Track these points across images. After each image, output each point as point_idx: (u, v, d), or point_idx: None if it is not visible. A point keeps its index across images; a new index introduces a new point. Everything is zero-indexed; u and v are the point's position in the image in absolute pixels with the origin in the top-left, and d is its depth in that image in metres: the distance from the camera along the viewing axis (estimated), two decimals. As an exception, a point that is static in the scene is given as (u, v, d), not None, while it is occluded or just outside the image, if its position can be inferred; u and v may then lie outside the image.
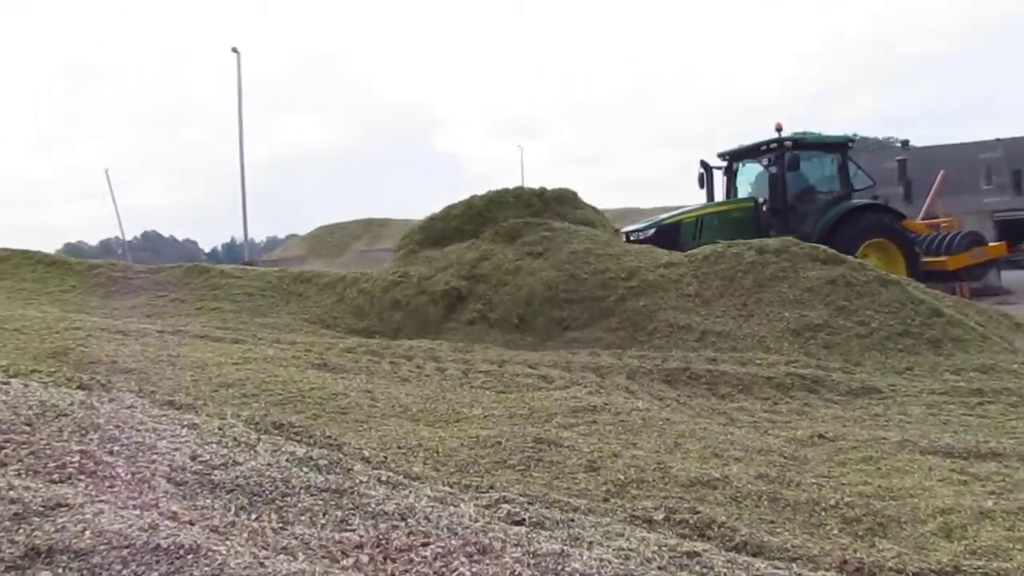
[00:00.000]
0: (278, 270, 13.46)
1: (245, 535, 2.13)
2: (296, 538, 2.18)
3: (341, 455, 3.22)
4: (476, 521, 2.47)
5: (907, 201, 33.50)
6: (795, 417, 5.88)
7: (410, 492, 2.79)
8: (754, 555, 2.77)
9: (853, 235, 13.13)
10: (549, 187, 12.51)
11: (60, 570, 1.74)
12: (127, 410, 3.27)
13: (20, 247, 14.20)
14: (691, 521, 3.10)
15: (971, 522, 3.32)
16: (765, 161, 14.72)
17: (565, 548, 2.27)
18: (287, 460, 2.88)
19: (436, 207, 12.66)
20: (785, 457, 4.43)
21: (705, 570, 2.38)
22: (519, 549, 2.21)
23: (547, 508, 2.97)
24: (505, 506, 2.83)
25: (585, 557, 2.22)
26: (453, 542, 2.23)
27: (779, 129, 14.43)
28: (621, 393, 6.36)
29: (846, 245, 10.72)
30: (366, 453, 3.59)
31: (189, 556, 1.82)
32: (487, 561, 2.12)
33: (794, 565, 2.71)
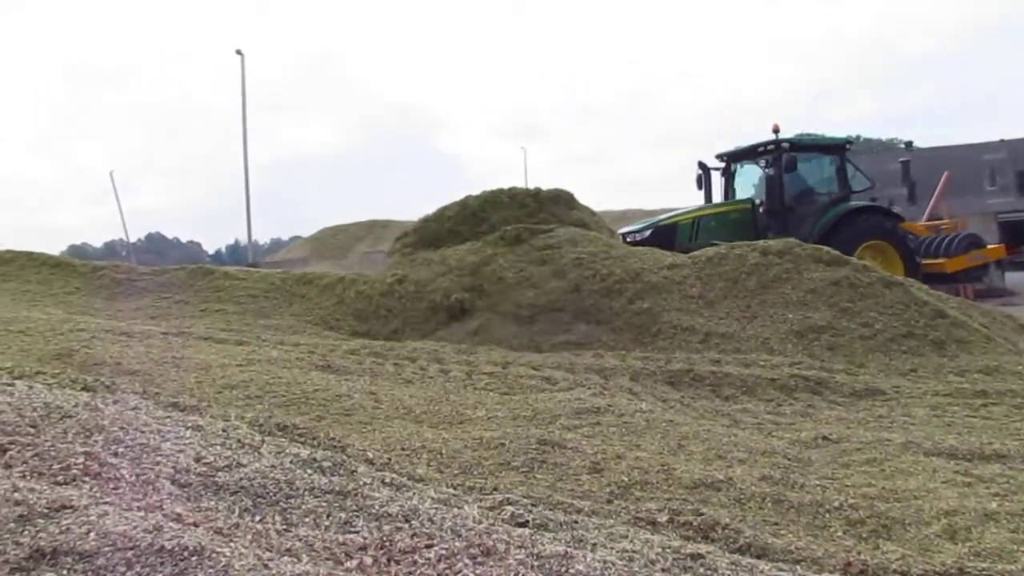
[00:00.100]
0: (281, 272, 13.45)
1: (249, 537, 2.13)
2: (300, 540, 2.18)
3: (345, 457, 3.22)
4: (480, 523, 2.47)
5: (911, 202, 33.44)
6: (799, 419, 5.87)
7: (414, 494, 2.79)
8: (758, 557, 2.77)
9: (851, 237, 13.07)
10: (560, 188, 12.51)
11: (65, 572, 1.75)
12: (131, 412, 3.28)
13: (25, 249, 14.25)
14: (695, 523, 3.10)
15: (975, 524, 3.31)
16: (762, 163, 14.69)
17: (569, 550, 2.27)
18: (291, 462, 2.88)
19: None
20: (789, 459, 4.42)
21: (709, 572, 2.37)
22: (523, 551, 2.21)
23: (551, 510, 2.97)
24: (509, 508, 2.84)
25: (589, 559, 2.22)
26: (457, 544, 2.23)
27: (776, 131, 14.40)
28: (625, 395, 6.36)
29: (844, 247, 10.69)
30: (370, 455, 3.59)
31: (193, 558, 1.83)
32: (491, 563, 2.12)
33: (798, 567, 2.71)
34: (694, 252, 10.56)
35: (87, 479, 2.37)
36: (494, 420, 5.17)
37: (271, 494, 2.49)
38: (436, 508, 2.58)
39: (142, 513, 2.10)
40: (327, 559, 2.09)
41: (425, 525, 2.38)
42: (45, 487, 2.20)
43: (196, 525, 2.11)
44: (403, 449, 4.15)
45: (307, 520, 2.36)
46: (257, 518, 2.31)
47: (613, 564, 2.23)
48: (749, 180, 15.29)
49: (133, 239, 42.00)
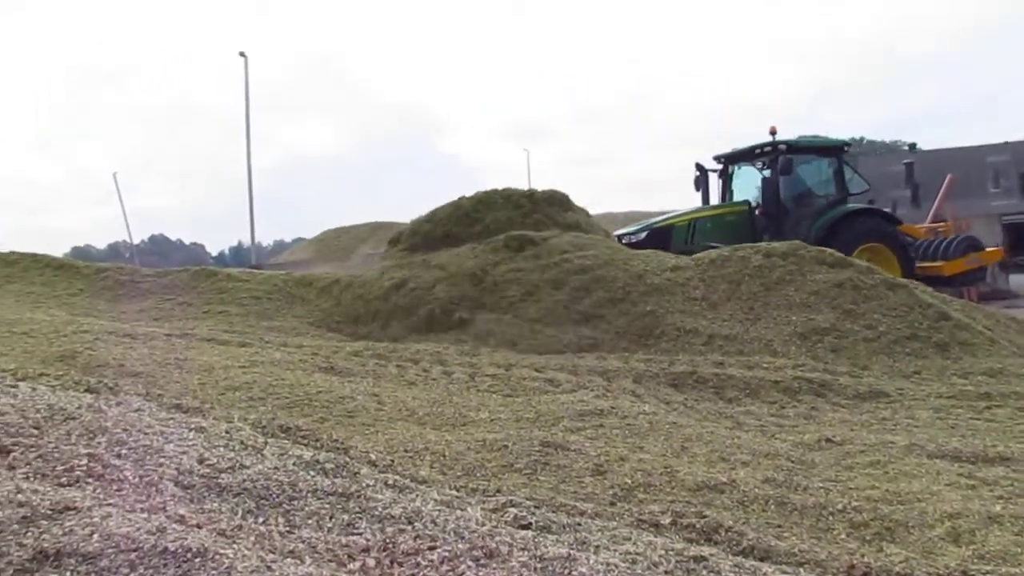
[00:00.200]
0: (284, 274, 13.47)
1: (252, 538, 2.13)
2: (303, 542, 2.18)
3: (348, 459, 3.23)
4: (483, 525, 2.47)
5: (915, 204, 33.49)
6: (802, 421, 5.86)
7: (417, 496, 2.79)
8: (761, 559, 2.76)
9: (847, 239, 12.96)
10: (555, 189, 12.47)
11: (68, 573, 1.75)
12: (135, 413, 3.28)
13: (28, 250, 14.29)
14: (698, 525, 3.09)
15: (979, 527, 3.31)
16: (759, 164, 14.67)
17: (572, 552, 2.27)
18: (294, 464, 2.88)
19: (441, 210, 12.52)
20: (792, 461, 4.42)
21: (712, 575, 2.37)
22: (526, 553, 2.21)
23: (554, 512, 2.97)
24: (512, 510, 2.83)
25: (592, 561, 2.22)
26: (460, 546, 2.23)
27: (773, 132, 14.38)
28: (628, 397, 6.35)
29: (840, 250, 10.63)
30: (373, 457, 3.60)
31: (197, 559, 1.83)
32: (494, 565, 2.12)
33: (801, 570, 2.70)
34: (696, 254, 10.55)
35: (91, 481, 2.37)
36: (497, 422, 5.16)
37: (274, 496, 2.49)
38: (439, 510, 2.58)
39: (145, 515, 2.10)
40: (330, 561, 2.09)
41: (428, 527, 2.38)
42: (49, 489, 2.20)
43: (199, 527, 2.11)
44: (406, 451, 4.15)
45: (310, 522, 2.36)
46: (260, 520, 2.31)
47: (616, 566, 2.23)
48: (746, 182, 15.23)
49: (136, 241, 42.08)
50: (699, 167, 15.31)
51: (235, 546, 1.97)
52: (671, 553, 2.48)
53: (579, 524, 2.77)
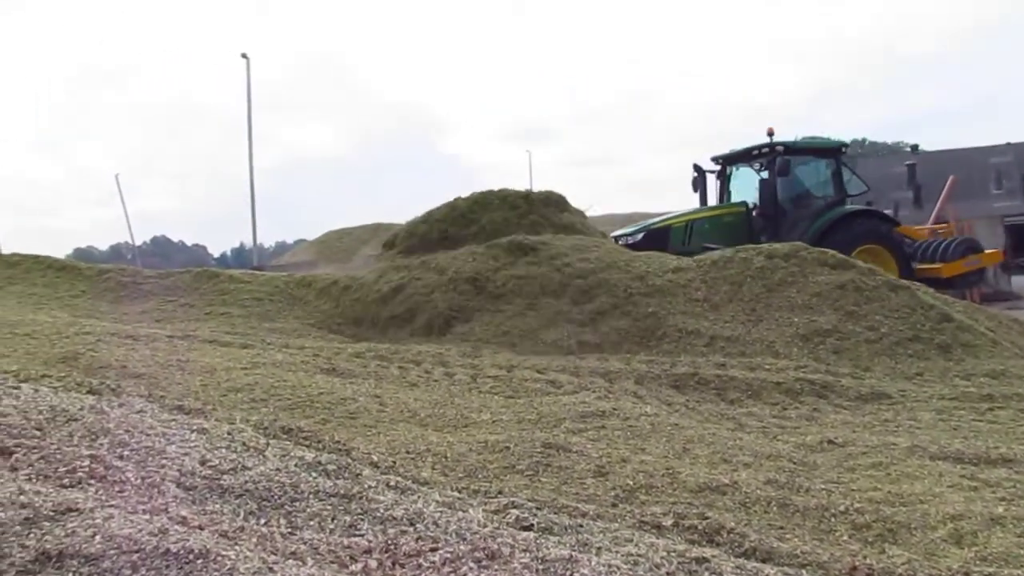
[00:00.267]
0: (286, 275, 13.47)
1: (254, 540, 2.13)
2: (305, 543, 2.19)
3: (350, 460, 3.23)
4: (485, 526, 2.47)
5: (917, 206, 33.50)
6: (804, 423, 5.86)
7: (419, 497, 2.80)
8: (763, 561, 2.76)
9: (845, 241, 12.82)
10: (557, 190, 12.46)
11: (70, 575, 1.75)
12: (137, 415, 3.29)
13: (30, 252, 14.30)
14: (700, 527, 3.09)
15: (981, 528, 3.30)
16: (757, 166, 14.65)
17: (574, 554, 2.27)
18: (296, 465, 2.88)
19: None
20: (794, 463, 4.41)
21: (714, 576, 2.37)
22: (528, 555, 2.21)
23: (556, 513, 2.97)
24: (514, 511, 2.83)
25: (594, 563, 2.22)
26: (462, 547, 2.23)
27: (771, 134, 14.35)
28: (630, 398, 6.35)
29: (838, 251, 10.62)
30: (375, 458, 3.60)
31: (199, 561, 1.83)
32: (496, 567, 2.12)
33: (804, 571, 2.70)
34: (697, 256, 10.54)
35: (93, 482, 2.38)
36: (499, 423, 5.17)
37: (276, 497, 2.49)
38: (441, 511, 2.58)
39: (147, 516, 2.10)
40: (332, 562, 2.09)
41: (430, 528, 2.38)
42: (51, 490, 2.20)
43: (201, 528, 2.12)
44: (408, 452, 4.15)
45: (312, 523, 2.36)
46: (262, 521, 2.31)
47: (618, 568, 2.23)
48: (744, 183, 15.17)
49: (138, 242, 42.12)
50: (697, 168, 15.28)
51: (237, 547, 1.97)
52: (673, 555, 2.48)
53: (581, 526, 2.77)
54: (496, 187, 12.41)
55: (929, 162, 39.17)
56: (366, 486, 2.75)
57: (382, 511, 2.50)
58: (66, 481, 2.36)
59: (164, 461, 2.62)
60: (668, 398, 6.59)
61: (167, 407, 3.81)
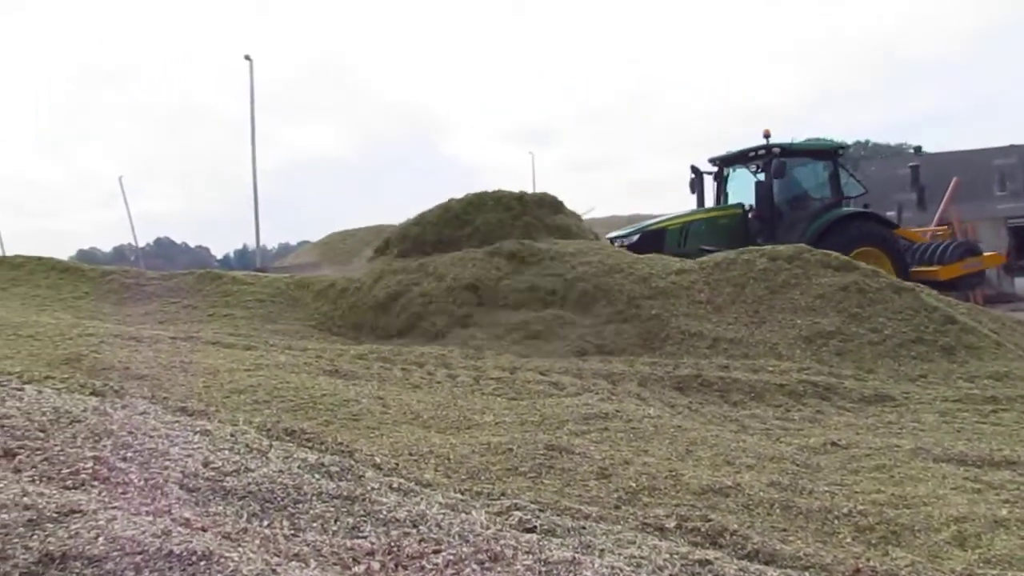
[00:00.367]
0: (288, 277, 13.48)
1: (257, 542, 2.13)
2: (308, 545, 2.19)
3: (353, 462, 3.23)
4: (487, 528, 2.47)
5: (920, 207, 33.46)
6: (807, 425, 5.85)
7: (422, 499, 2.80)
8: (766, 563, 2.76)
9: (842, 243, 12.71)
10: (559, 193, 12.41)
11: (74, 576, 1.75)
12: (140, 416, 3.29)
13: (34, 253, 14.32)
14: (703, 529, 3.09)
15: (985, 531, 3.30)
16: (753, 167, 14.62)
17: (576, 556, 2.26)
18: (299, 467, 2.89)
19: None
20: (797, 465, 4.41)
21: (717, 578, 2.37)
22: (530, 557, 2.21)
23: (558, 515, 2.97)
24: (517, 513, 2.83)
25: (596, 565, 2.22)
26: (465, 549, 2.23)
27: (767, 136, 14.33)
28: (633, 400, 6.35)
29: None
30: (378, 460, 3.60)
31: (202, 563, 1.83)
32: (499, 569, 2.12)
33: (807, 574, 2.70)
34: (700, 258, 10.53)
35: (96, 484, 2.38)
36: (502, 425, 5.16)
37: (279, 499, 2.50)
38: (444, 513, 2.58)
39: (151, 518, 2.10)
40: (335, 564, 2.09)
41: (433, 530, 2.39)
42: (54, 491, 2.21)
43: (204, 530, 2.12)
44: (411, 454, 4.15)
45: (315, 525, 2.36)
46: (265, 523, 2.32)
47: (621, 570, 2.23)
48: (741, 185, 15.10)
49: (142, 244, 42.19)
50: (694, 169, 15.24)
51: (240, 549, 1.97)
52: (676, 557, 2.48)
53: (584, 528, 2.77)
54: (498, 188, 12.36)
55: (932, 164, 39.12)
56: (369, 488, 2.75)
57: (385, 513, 2.50)
58: (69, 483, 2.36)
59: (167, 463, 2.63)
60: (671, 400, 6.59)
61: (170, 409, 3.82)
